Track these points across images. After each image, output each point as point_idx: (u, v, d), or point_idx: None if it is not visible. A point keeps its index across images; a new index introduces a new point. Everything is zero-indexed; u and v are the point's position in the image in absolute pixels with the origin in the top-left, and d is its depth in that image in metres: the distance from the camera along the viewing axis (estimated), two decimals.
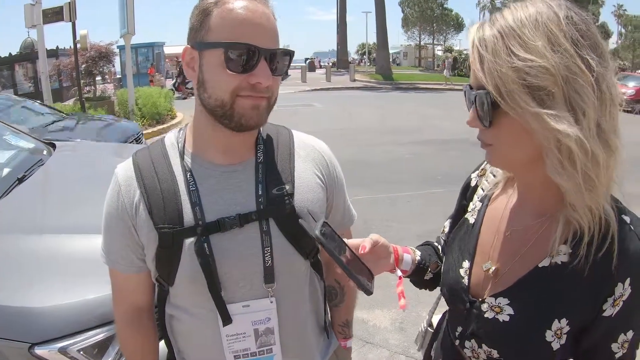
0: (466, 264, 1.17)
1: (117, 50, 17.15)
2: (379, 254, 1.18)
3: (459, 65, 41.68)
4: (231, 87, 1.10)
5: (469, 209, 1.26)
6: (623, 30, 75.36)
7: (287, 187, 1.25)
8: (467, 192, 1.31)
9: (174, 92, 19.29)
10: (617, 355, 1.01)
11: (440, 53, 53.70)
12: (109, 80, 20.17)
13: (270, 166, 1.27)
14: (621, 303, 0.95)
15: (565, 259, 0.98)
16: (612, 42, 72.02)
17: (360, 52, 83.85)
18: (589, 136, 0.87)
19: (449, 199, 1.49)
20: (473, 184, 1.30)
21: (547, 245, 1.00)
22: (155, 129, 13.03)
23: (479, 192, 1.26)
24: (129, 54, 15.95)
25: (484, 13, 67.68)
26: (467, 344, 1.15)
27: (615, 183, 0.94)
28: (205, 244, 1.17)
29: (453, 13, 59.95)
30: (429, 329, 1.53)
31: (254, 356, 1.27)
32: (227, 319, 1.21)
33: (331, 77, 32.43)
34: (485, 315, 1.08)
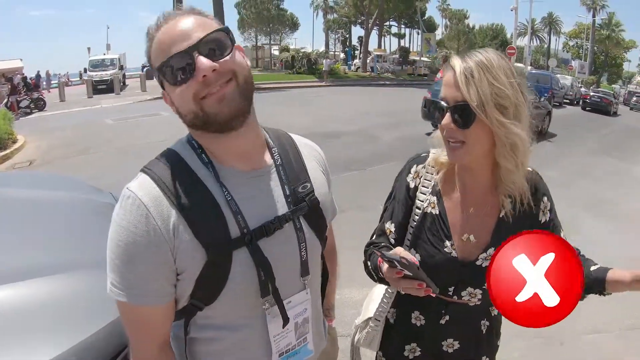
0: (448, 243, 1.58)
1: None
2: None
3: (296, 64, 42.75)
4: (189, 97, 1.12)
5: (419, 205, 1.65)
6: (448, 23, 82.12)
7: (309, 184, 1.34)
8: (409, 192, 1.68)
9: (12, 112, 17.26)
10: None
11: (276, 53, 54.43)
12: None
13: (289, 167, 1.33)
14: (548, 212, 1.60)
15: (510, 206, 1.54)
16: (438, 34, 78.50)
17: None
18: (525, 135, 1.43)
19: None
20: (412, 185, 1.68)
21: (497, 205, 1.56)
22: None
23: (422, 189, 1.65)
24: None
25: (318, 12, 70.18)
26: (463, 293, 1.60)
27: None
28: (259, 251, 1.18)
29: (288, 13, 61.22)
30: (381, 321, 1.83)
31: (294, 349, 1.33)
32: (286, 318, 1.26)
33: None
34: (483, 266, 1.54)
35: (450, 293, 1.61)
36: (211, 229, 1.13)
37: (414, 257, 1.35)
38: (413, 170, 1.69)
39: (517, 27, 40.91)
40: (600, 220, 7.47)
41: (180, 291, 1.18)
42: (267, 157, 1.32)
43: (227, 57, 1.15)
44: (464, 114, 1.39)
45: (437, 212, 1.61)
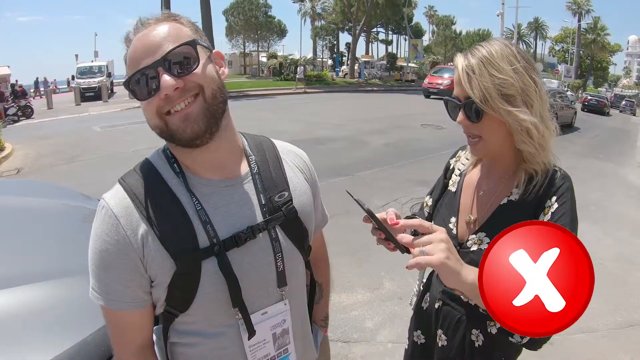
0: (453, 219, 1.67)
1: None
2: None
3: (284, 70, 42.73)
4: (154, 112, 1.12)
5: (450, 184, 1.78)
6: (435, 29, 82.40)
7: (286, 193, 1.31)
8: (447, 172, 1.84)
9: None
10: None
11: (265, 59, 54.46)
12: None
13: (266, 175, 1.31)
14: (550, 214, 1.44)
15: (517, 197, 1.52)
16: (425, 40, 78.91)
17: None
18: (538, 120, 1.43)
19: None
20: (451, 167, 1.83)
21: (506, 192, 1.55)
22: None
23: (456, 171, 1.78)
24: None
25: (305, 19, 70.32)
26: None
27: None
28: (227, 261, 1.16)
29: (276, 20, 61.27)
30: (421, 286, 1.91)
31: (274, 359, 1.32)
32: (252, 332, 1.23)
33: None
34: (472, 249, 1.55)
35: None
36: (179, 239, 1.14)
37: (392, 216, 1.33)
38: (458, 154, 1.84)
39: (504, 32, 41.20)
40: (587, 222, 7.53)
41: (155, 298, 1.20)
42: (244, 166, 1.31)
43: (195, 71, 1.13)
44: (472, 109, 1.45)
45: (454, 190, 1.73)
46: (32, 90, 33.20)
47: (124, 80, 1.17)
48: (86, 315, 1.69)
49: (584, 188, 9.44)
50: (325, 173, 8.68)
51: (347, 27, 61.13)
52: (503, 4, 36.66)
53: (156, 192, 1.18)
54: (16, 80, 28.41)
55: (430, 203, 1.86)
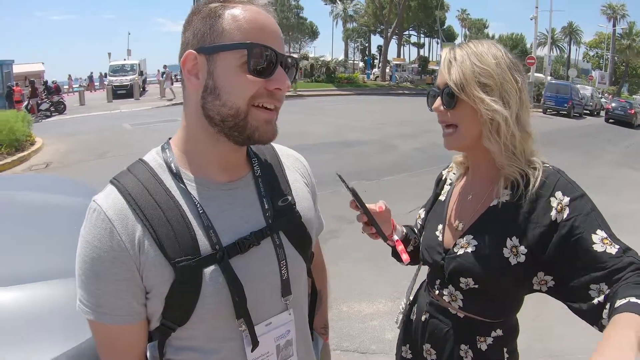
0: (440, 227, 1.61)
1: None
2: (385, 217, 1.62)
3: (315, 72, 42.78)
4: (250, 93, 1.04)
5: (442, 194, 1.72)
6: (467, 32, 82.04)
7: (290, 197, 1.24)
8: (440, 183, 1.79)
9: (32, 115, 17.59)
10: (606, 250, 1.22)
11: None
12: None
13: (268, 179, 1.24)
14: (566, 208, 1.30)
15: (507, 198, 1.42)
16: (457, 43, 78.19)
17: None
18: (512, 120, 1.38)
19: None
20: (443, 177, 1.79)
21: (494, 194, 1.46)
22: (14, 157, 11.47)
23: (448, 181, 1.74)
24: None
25: (337, 21, 70.40)
26: (445, 291, 1.54)
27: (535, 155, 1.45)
28: (230, 270, 1.08)
29: (308, 22, 61.68)
30: (407, 304, 1.81)
31: None
32: (256, 343, 1.13)
33: None
34: (458, 253, 1.48)
35: (436, 286, 1.59)
36: (179, 245, 1.04)
37: (380, 204, 1.51)
38: (451, 165, 1.78)
39: (537, 36, 40.40)
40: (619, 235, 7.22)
41: (151, 310, 1.09)
42: (246, 168, 1.23)
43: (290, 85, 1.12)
44: (448, 95, 1.43)
45: (444, 199, 1.68)
46: (65, 87, 33.94)
47: (241, 42, 1.03)
48: None
49: (617, 198, 9.13)
50: (353, 177, 8.56)
51: (379, 30, 61.19)
52: (537, 7, 35.79)
53: (153, 194, 1.08)
54: (51, 80, 28.92)
55: (422, 215, 1.82)
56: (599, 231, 1.24)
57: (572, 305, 1.28)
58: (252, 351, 1.13)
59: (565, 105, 28.01)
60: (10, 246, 2.16)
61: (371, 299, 4.77)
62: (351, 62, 66.72)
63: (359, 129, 15.66)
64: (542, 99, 29.22)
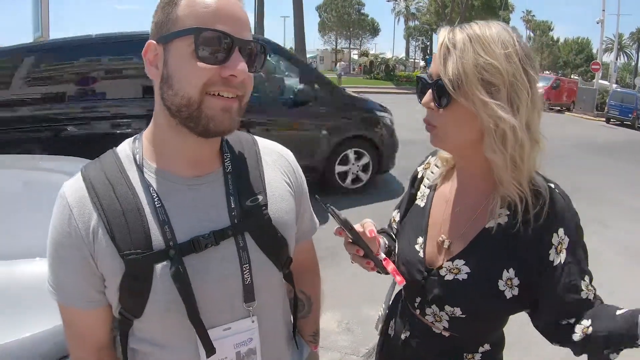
0: (420, 239, 1.35)
1: None
2: (372, 238, 1.26)
3: (374, 69, 42.68)
4: (201, 81, 0.97)
5: (418, 196, 1.46)
6: (532, 34, 79.23)
7: (261, 197, 1.15)
8: (415, 182, 1.51)
9: None
10: (588, 296, 1.17)
11: (356, 57, 54.56)
12: None
13: (240, 176, 1.15)
14: (564, 252, 1.15)
15: (505, 220, 1.20)
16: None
17: None
18: (520, 127, 1.11)
19: None
20: (419, 175, 1.50)
21: (490, 212, 1.23)
22: None
23: (425, 181, 1.46)
24: None
25: (399, 18, 69.90)
26: (427, 310, 1.32)
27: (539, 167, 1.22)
28: (181, 268, 1.02)
29: (369, 18, 61.45)
30: (387, 311, 1.62)
31: None
32: (210, 349, 1.06)
33: None
34: (446, 278, 1.25)
35: (416, 304, 1.36)
36: (131, 237, 1.01)
37: (370, 228, 1.23)
38: (428, 160, 1.52)
39: (604, 41, 39.05)
40: None
41: (109, 298, 1.08)
42: (217, 163, 1.15)
43: (252, 75, 1.05)
44: (439, 91, 1.16)
45: (423, 206, 1.42)
46: None
47: (189, 28, 0.97)
48: None
49: None
50: (399, 177, 8.79)
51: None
52: (603, 10, 34.42)
53: (114, 185, 1.05)
54: None
55: (397, 218, 1.55)
56: (586, 277, 1.18)
57: (538, 325, 1.26)
58: (207, 357, 1.08)
59: (630, 115, 26.97)
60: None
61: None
62: (412, 60, 66.03)
63: (413, 128, 15.02)
64: (605, 108, 28.37)
